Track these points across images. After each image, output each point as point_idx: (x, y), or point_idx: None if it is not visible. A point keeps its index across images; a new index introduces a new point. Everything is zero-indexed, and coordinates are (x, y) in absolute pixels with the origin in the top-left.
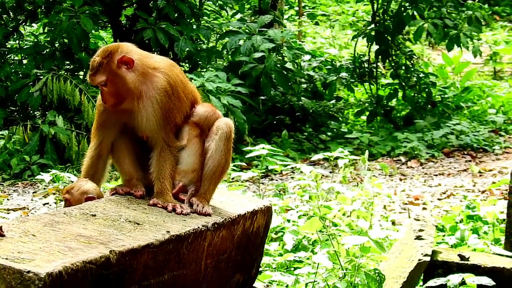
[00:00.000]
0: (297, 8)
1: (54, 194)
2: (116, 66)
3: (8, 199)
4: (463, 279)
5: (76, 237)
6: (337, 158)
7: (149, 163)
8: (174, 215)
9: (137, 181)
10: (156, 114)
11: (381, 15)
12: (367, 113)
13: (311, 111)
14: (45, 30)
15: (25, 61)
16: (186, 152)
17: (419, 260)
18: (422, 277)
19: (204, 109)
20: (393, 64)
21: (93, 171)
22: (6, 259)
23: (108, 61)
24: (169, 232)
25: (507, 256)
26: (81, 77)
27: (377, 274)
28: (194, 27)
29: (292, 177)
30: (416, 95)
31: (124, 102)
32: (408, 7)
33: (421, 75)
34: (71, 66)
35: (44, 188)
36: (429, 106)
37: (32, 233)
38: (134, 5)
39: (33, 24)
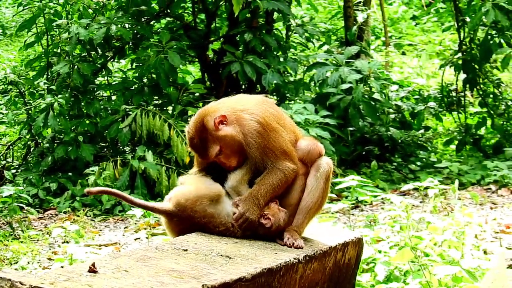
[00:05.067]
0: (383, 39)
1: (145, 229)
2: (216, 130)
3: (99, 235)
4: None
5: (168, 272)
6: (427, 188)
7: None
8: (265, 247)
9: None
10: (257, 153)
11: (468, 44)
12: (456, 142)
13: (399, 141)
14: (133, 66)
15: (114, 97)
16: (289, 188)
17: None
18: None
19: (306, 143)
20: (481, 92)
21: None
22: None
23: (209, 132)
24: (260, 265)
25: None
26: (169, 112)
27: None
28: (281, 59)
29: (382, 208)
30: (505, 123)
31: (244, 155)
32: (494, 35)
33: (510, 103)
34: (160, 101)
35: (135, 223)
36: None
37: (125, 269)
38: (221, 39)
39: (121, 60)
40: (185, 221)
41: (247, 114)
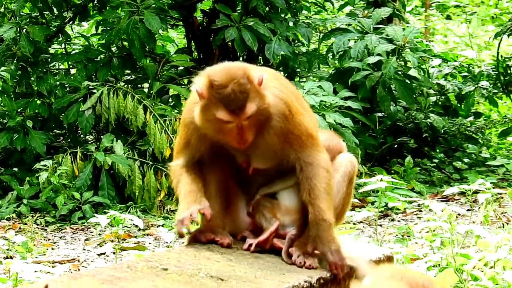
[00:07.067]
0: None
1: (112, 241)
2: (259, 90)
3: (53, 249)
4: None
5: None
6: (476, 192)
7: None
8: (268, 267)
9: (222, 224)
10: (276, 140)
11: None
12: None
13: (442, 131)
14: (99, 31)
15: (73, 71)
16: (296, 187)
17: None
18: None
19: (324, 137)
20: None
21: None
22: None
23: (253, 86)
24: None
25: None
26: (145, 90)
27: None
28: (291, 24)
29: (418, 217)
30: None
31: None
32: None
33: None
34: (133, 76)
35: (100, 234)
36: None
37: None
38: None
39: (83, 23)
40: None
41: (269, 92)
